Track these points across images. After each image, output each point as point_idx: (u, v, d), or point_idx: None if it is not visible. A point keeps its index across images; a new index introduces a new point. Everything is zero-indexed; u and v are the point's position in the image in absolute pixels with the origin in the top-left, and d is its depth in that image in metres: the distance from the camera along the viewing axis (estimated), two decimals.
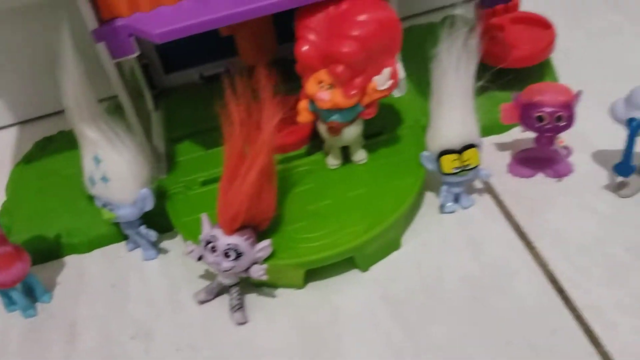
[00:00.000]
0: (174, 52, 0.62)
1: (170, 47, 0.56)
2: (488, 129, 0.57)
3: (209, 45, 0.61)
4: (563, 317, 0.44)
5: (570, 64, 0.63)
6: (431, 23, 0.69)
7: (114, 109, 0.63)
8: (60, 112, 0.67)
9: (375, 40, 0.46)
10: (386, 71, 0.47)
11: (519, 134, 0.54)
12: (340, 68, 0.46)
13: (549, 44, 0.56)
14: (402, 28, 0.50)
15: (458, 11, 0.60)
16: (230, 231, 0.45)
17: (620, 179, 0.50)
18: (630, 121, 0.46)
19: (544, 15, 0.60)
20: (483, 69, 0.54)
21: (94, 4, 0.46)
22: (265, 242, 0.46)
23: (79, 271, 0.54)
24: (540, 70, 0.60)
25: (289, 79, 0.49)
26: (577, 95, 0.49)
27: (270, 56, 0.60)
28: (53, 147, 0.63)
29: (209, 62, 0.64)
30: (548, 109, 0.48)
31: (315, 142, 0.55)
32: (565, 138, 0.55)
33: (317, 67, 0.47)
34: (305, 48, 0.47)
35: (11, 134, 0.70)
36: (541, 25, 0.59)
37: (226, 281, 0.48)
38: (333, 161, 0.53)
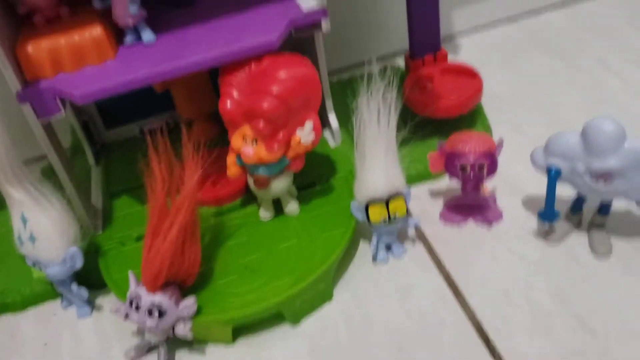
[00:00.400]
0: (114, 107, 0.63)
1: (110, 102, 0.57)
2: (421, 176, 0.58)
3: (148, 100, 0.62)
4: None
5: (503, 109, 0.65)
6: (368, 74, 0.70)
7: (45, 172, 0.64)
8: None
9: (295, 96, 0.47)
10: (308, 125, 0.48)
11: (451, 181, 0.55)
12: (261, 123, 0.47)
13: (476, 92, 0.58)
14: (339, 80, 0.52)
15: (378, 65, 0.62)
16: (153, 289, 0.45)
17: (547, 224, 0.51)
18: (549, 170, 0.47)
19: (471, 65, 0.61)
20: (415, 117, 0.55)
21: (16, 66, 0.47)
22: (190, 300, 0.46)
23: (12, 331, 0.53)
24: (472, 116, 0.61)
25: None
26: (499, 143, 0.50)
27: (209, 109, 0.61)
28: None
29: (149, 116, 0.64)
30: (470, 159, 0.49)
31: (249, 195, 0.55)
32: (493, 184, 0.56)
33: (241, 122, 0.48)
34: (228, 104, 0.48)
35: None
36: (469, 75, 0.60)
37: (154, 339, 0.48)
38: (265, 213, 0.53)
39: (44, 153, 0.50)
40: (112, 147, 0.65)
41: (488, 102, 0.63)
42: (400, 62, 0.73)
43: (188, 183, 0.46)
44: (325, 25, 0.51)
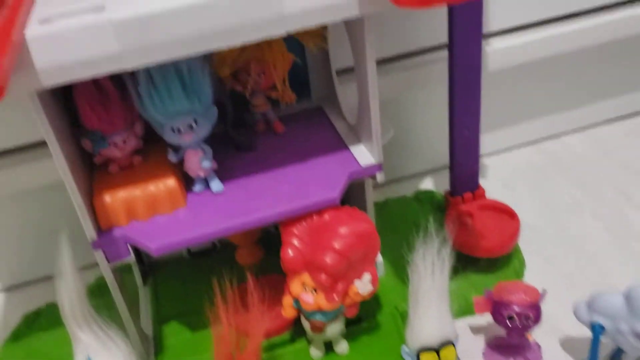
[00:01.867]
0: None
1: None
2: (463, 311, 0.60)
3: None
4: None
5: (532, 239, 0.68)
6: (405, 197, 0.74)
7: (100, 287, 0.65)
8: (47, 279, 0.69)
9: (355, 251, 0.50)
10: (366, 277, 0.51)
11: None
12: (323, 276, 0.49)
13: (515, 233, 0.61)
14: (378, 200, 0.54)
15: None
16: None
17: None
18: (594, 326, 0.50)
19: (508, 205, 0.65)
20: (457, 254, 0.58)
21: (93, 215, 0.49)
22: None
23: None
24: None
25: (274, 252, 0.52)
26: (543, 294, 0.53)
27: (256, 235, 0.64)
28: (41, 323, 0.64)
29: None
30: (517, 310, 0.52)
31: (299, 327, 0.58)
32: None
33: (301, 270, 0.51)
34: (290, 254, 0.51)
35: None
36: (507, 213, 0.63)
37: None
38: (316, 352, 0.56)
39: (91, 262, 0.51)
40: (160, 266, 0.67)
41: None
42: (439, 180, 0.77)
43: (255, 336, 0.48)
44: (379, 177, 0.54)
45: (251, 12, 0.41)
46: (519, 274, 0.63)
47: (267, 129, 0.60)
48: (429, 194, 0.73)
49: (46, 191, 0.65)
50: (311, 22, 0.43)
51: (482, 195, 0.65)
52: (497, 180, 0.78)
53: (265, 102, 0.58)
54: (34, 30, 0.39)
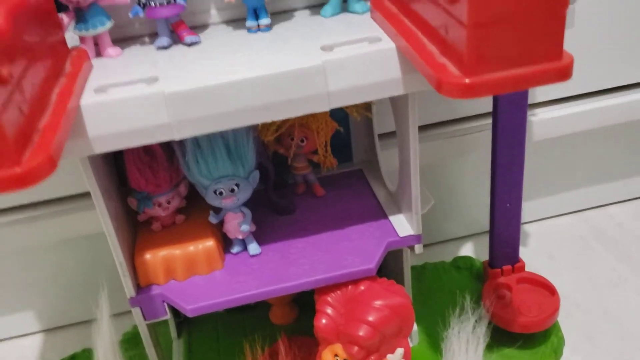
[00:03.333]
0: None
1: None
2: None
3: None
4: None
5: (572, 314, 0.66)
6: (443, 263, 0.73)
7: (135, 336, 0.66)
8: (84, 324, 0.70)
9: (389, 325, 0.49)
10: (399, 351, 0.50)
11: None
12: (355, 349, 0.49)
13: (554, 311, 0.59)
14: (416, 265, 0.54)
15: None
16: None
17: None
18: None
19: (549, 277, 0.64)
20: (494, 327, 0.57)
21: (133, 273, 0.50)
22: None
23: None
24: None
25: (308, 311, 0.53)
26: None
27: (291, 296, 0.64)
28: None
29: None
30: None
31: None
32: None
33: (334, 340, 0.51)
34: (323, 322, 0.50)
35: (34, 342, 0.73)
36: (546, 288, 0.62)
37: None
38: None
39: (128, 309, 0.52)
40: (195, 320, 0.67)
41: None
42: (479, 245, 0.76)
43: None
44: (418, 248, 0.54)
45: (297, 90, 0.42)
46: (558, 351, 0.61)
47: (307, 190, 0.61)
48: (467, 261, 0.72)
49: (88, 239, 0.66)
50: (355, 100, 0.44)
51: (522, 268, 0.63)
52: (538, 249, 0.77)
53: (307, 165, 0.59)
54: (89, 99, 0.41)
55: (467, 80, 0.34)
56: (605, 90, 0.72)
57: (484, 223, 0.65)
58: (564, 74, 0.35)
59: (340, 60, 0.42)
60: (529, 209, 0.79)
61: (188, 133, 0.42)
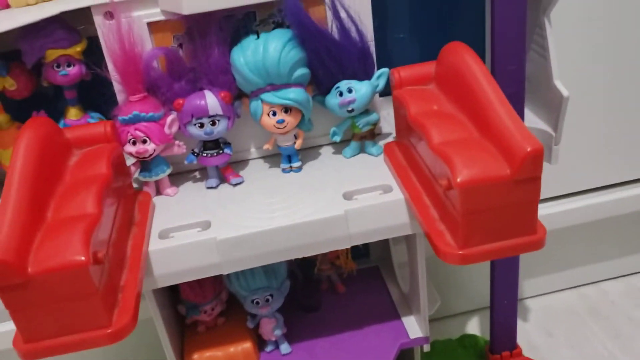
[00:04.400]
0: None
1: None
2: None
3: None
4: None
5: None
6: (450, 341, 0.81)
7: None
8: None
9: None
10: None
11: None
12: None
13: None
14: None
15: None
16: None
17: None
18: None
19: (545, 351, 0.72)
20: None
21: None
22: None
23: None
24: None
25: None
26: None
27: None
28: None
29: None
30: None
31: None
32: None
33: None
34: None
35: None
36: None
37: None
38: None
39: None
40: None
41: None
42: (484, 321, 0.85)
43: None
44: (426, 347, 0.62)
45: (324, 233, 0.51)
46: None
47: (330, 287, 0.69)
48: (472, 340, 0.80)
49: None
50: (372, 239, 0.52)
51: (519, 354, 0.72)
52: (536, 323, 0.85)
53: (330, 267, 0.68)
54: (155, 245, 0.50)
55: (460, 252, 0.43)
56: (595, 188, 0.81)
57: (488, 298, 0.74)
58: (539, 244, 0.43)
59: (359, 209, 0.51)
60: (528, 284, 0.87)
61: (234, 269, 0.51)
